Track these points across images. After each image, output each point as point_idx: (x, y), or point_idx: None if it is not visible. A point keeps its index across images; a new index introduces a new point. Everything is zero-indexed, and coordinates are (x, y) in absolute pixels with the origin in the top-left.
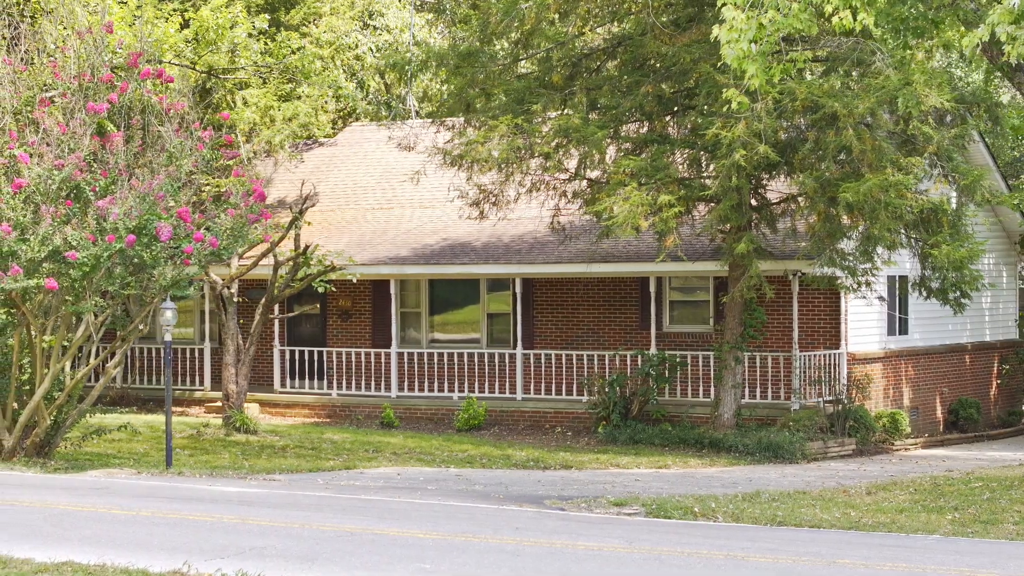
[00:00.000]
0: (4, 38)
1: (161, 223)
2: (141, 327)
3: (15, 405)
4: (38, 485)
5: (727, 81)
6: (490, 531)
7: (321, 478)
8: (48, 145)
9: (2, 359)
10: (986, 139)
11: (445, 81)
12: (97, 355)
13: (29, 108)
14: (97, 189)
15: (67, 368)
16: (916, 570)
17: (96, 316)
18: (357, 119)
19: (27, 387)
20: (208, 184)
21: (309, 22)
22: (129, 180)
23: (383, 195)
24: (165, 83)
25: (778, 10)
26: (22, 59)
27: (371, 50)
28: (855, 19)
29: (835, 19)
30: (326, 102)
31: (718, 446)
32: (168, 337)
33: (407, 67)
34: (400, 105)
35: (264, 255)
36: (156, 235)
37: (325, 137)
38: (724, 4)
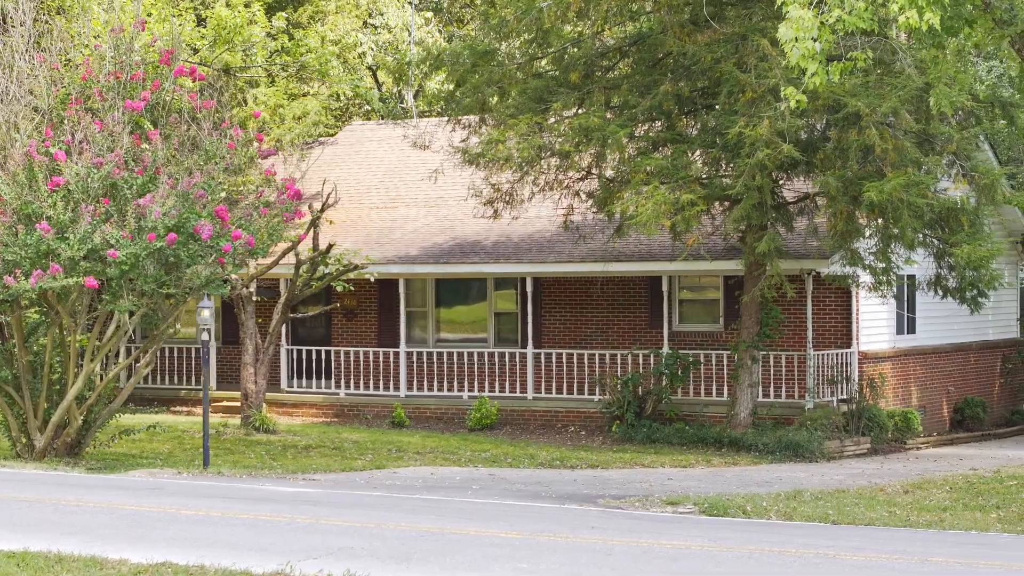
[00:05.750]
0: (35, 37)
1: (202, 221)
2: (177, 326)
3: (45, 405)
4: (89, 486)
5: (749, 80)
6: (568, 530)
7: (359, 478)
8: (86, 143)
9: (34, 359)
10: (991, 140)
11: (459, 80)
12: (127, 355)
13: (62, 106)
14: (134, 187)
15: (97, 368)
16: (1015, 568)
17: (131, 315)
18: (351, 118)
19: (57, 387)
20: (232, 183)
21: (315, 20)
22: (166, 178)
23: (387, 194)
24: (196, 81)
25: (843, 8)
26: (58, 58)
27: (371, 49)
28: (921, 18)
29: (901, 19)
30: (335, 99)
31: (737, 445)
32: (205, 336)
33: (420, 67)
34: (399, 105)
35: (285, 254)
36: (195, 233)
37: (322, 137)
38: (788, 3)
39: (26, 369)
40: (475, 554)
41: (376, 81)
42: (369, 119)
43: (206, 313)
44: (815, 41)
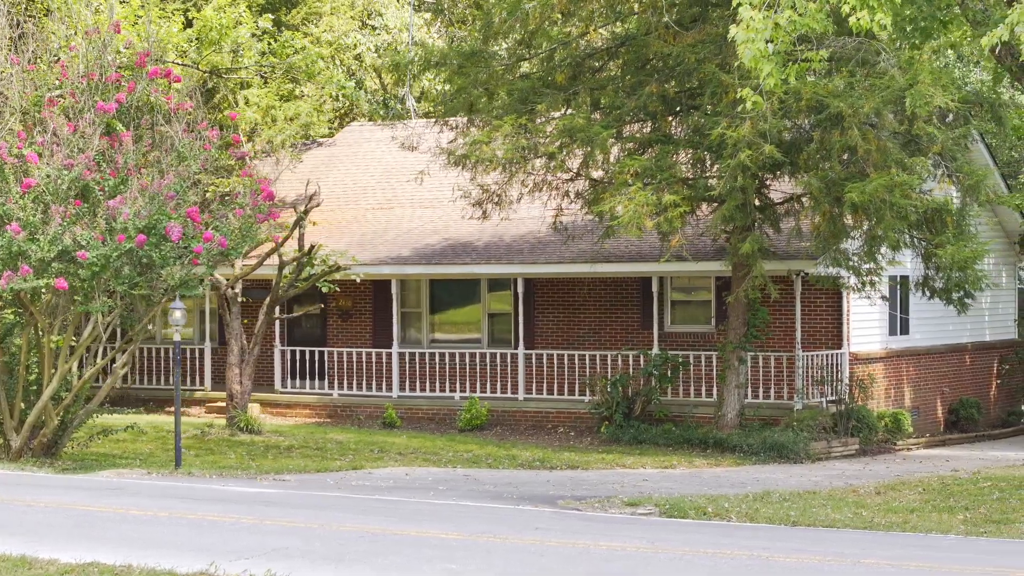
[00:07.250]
0: (10, 38)
1: (171, 223)
2: (150, 327)
3: (22, 405)
4: (52, 486)
5: (732, 81)
6: (511, 531)
7: (331, 478)
8: (57, 144)
9: (10, 359)
10: (986, 140)
11: (447, 81)
12: (104, 355)
13: (37, 108)
14: (106, 189)
15: (74, 368)
16: (943, 569)
17: (105, 316)
18: (354, 119)
19: (34, 387)
20: (212, 184)
21: (309, 21)
22: (138, 180)
23: (383, 195)
24: (172, 83)
25: (795, 9)
26: (30, 59)
27: (370, 50)
28: (872, 19)
29: (852, 19)
30: (324, 101)
31: (723, 446)
32: (178, 337)
33: (409, 67)
34: (399, 105)
35: (269, 255)
36: (166, 235)
37: (322, 137)
38: (740, 4)
39: (2, 370)
40: (410, 555)
41: (381, 82)
42: (372, 119)
43: (177, 314)
44: (769, 43)
